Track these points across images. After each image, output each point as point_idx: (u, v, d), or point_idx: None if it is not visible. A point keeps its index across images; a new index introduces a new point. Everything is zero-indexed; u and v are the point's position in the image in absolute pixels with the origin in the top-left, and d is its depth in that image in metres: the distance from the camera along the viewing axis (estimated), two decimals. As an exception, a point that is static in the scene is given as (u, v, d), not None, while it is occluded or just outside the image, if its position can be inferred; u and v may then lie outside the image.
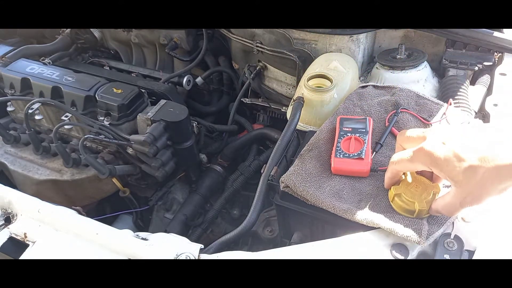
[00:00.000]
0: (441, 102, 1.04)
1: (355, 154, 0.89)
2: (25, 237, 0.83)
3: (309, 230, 0.96)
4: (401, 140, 0.76)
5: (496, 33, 1.22)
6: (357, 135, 0.92)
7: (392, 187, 0.82)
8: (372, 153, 0.94)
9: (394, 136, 0.98)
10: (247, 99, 1.59)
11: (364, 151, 0.89)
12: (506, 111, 1.03)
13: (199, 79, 1.62)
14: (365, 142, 0.91)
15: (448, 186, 0.80)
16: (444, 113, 1.00)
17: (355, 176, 0.90)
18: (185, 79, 1.55)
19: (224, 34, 1.55)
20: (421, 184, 0.79)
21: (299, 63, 1.33)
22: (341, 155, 0.89)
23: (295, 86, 1.44)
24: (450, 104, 1.03)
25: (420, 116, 1.01)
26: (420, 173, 0.78)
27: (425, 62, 1.23)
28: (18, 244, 0.83)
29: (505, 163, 0.56)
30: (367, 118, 0.97)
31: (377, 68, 1.26)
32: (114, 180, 1.27)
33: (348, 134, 0.93)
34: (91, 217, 0.87)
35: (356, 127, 0.94)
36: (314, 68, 1.24)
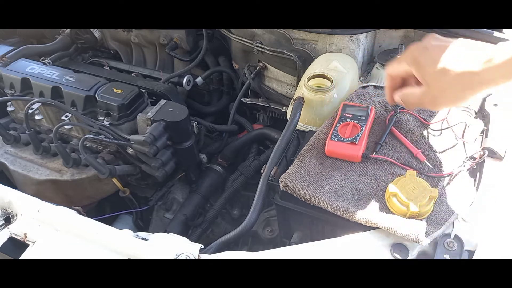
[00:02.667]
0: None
1: (349, 139, 0.91)
2: (25, 237, 0.83)
3: (309, 230, 0.96)
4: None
5: (496, 33, 1.22)
6: (356, 121, 0.95)
7: (389, 185, 0.82)
8: (373, 152, 0.94)
9: (394, 136, 0.98)
10: (247, 99, 1.59)
11: (359, 137, 0.91)
12: (506, 111, 1.03)
13: (199, 79, 1.62)
14: (361, 129, 0.93)
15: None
16: (446, 118, 1.00)
17: (355, 176, 0.90)
18: (185, 79, 1.55)
19: (224, 34, 1.55)
20: (419, 187, 0.80)
21: (299, 63, 1.33)
22: (336, 139, 0.93)
23: (295, 86, 1.44)
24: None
25: (420, 116, 1.01)
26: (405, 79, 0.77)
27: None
28: (18, 244, 0.83)
29: (467, 71, 0.63)
30: (370, 107, 0.99)
31: (377, 68, 1.26)
32: (114, 180, 1.27)
33: (347, 119, 0.96)
34: (91, 217, 0.87)
35: (357, 114, 0.97)
36: (314, 68, 1.24)
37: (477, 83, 0.64)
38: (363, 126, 0.93)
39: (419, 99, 0.71)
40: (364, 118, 0.96)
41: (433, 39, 0.72)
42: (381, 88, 1.11)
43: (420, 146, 0.95)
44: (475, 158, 0.90)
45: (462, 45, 0.69)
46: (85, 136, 1.14)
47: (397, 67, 0.74)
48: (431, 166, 0.89)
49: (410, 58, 0.71)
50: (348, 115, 0.97)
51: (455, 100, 0.68)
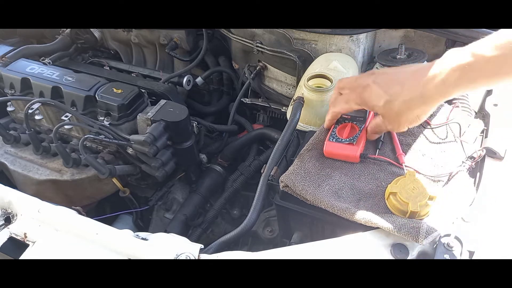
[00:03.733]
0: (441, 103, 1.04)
1: (347, 140, 0.92)
2: (25, 237, 0.83)
3: (309, 230, 0.96)
4: (338, 88, 0.92)
5: (496, 33, 1.22)
6: (354, 122, 0.95)
7: (389, 185, 0.82)
8: (376, 150, 0.94)
9: (391, 136, 0.98)
10: (247, 99, 1.59)
11: (357, 138, 0.92)
12: (506, 111, 1.03)
13: (199, 79, 1.62)
14: (359, 130, 0.93)
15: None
16: (447, 118, 1.00)
17: (355, 176, 0.90)
18: (185, 79, 1.55)
19: (224, 34, 1.55)
20: (419, 187, 0.80)
21: (299, 63, 1.33)
22: (334, 139, 0.93)
23: (295, 86, 1.44)
24: (457, 106, 1.04)
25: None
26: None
27: (425, 62, 1.22)
28: (18, 244, 0.83)
29: (410, 97, 0.75)
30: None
31: (377, 68, 1.26)
32: (114, 180, 1.27)
33: (346, 121, 0.96)
34: (91, 217, 0.87)
35: (355, 115, 0.96)
36: (314, 68, 1.24)
37: (421, 104, 0.75)
38: (361, 127, 0.94)
39: (383, 126, 0.88)
40: (362, 119, 0.95)
41: (370, 75, 0.84)
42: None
43: (420, 147, 0.95)
44: (474, 158, 0.90)
45: (401, 71, 0.80)
46: (85, 136, 1.14)
47: (347, 107, 0.89)
48: (411, 169, 0.89)
49: (358, 99, 0.85)
50: (346, 116, 0.96)
51: (411, 121, 0.80)
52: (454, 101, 1.07)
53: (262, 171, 1.00)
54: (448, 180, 0.87)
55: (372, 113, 1.00)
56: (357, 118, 0.96)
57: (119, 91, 1.25)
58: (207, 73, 1.64)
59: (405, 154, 0.93)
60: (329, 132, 0.95)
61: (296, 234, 0.98)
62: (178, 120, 1.21)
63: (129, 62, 1.77)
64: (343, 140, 0.92)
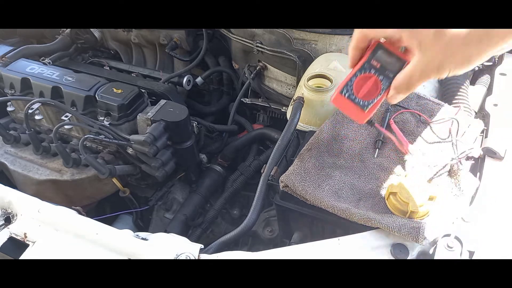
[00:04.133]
0: (442, 103, 1.04)
1: (360, 102, 0.72)
2: (25, 237, 0.83)
3: (309, 230, 0.96)
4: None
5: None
6: (380, 77, 0.71)
7: (389, 185, 0.82)
8: (375, 150, 0.94)
9: (393, 134, 0.98)
10: (247, 99, 1.59)
11: (372, 104, 0.72)
12: (506, 111, 1.03)
13: (199, 79, 1.62)
14: (381, 91, 0.71)
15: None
16: (445, 118, 1.00)
17: (355, 176, 0.90)
18: (185, 79, 1.55)
19: (224, 34, 1.55)
20: (419, 187, 0.80)
21: (299, 63, 1.33)
22: (346, 93, 0.72)
23: (295, 86, 1.44)
24: (458, 106, 1.04)
25: (420, 116, 1.01)
26: (391, 44, 0.69)
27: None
28: (18, 244, 0.83)
29: (470, 30, 0.58)
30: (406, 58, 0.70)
31: (377, 68, 1.26)
32: (114, 180, 1.27)
33: (371, 70, 0.71)
34: (91, 217, 0.87)
35: (388, 66, 0.71)
36: (314, 68, 1.24)
37: (481, 40, 0.57)
38: (384, 88, 0.71)
39: (418, 74, 0.63)
40: (392, 74, 0.70)
41: None
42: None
43: (420, 146, 0.95)
44: (474, 158, 0.90)
45: None
46: (85, 136, 1.14)
47: (379, 30, 0.64)
48: (415, 171, 0.88)
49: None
50: (375, 63, 0.71)
51: (461, 63, 0.59)
52: (454, 101, 1.07)
53: (262, 171, 1.00)
54: (449, 180, 0.87)
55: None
56: (388, 70, 0.71)
57: (119, 91, 1.25)
58: (207, 73, 1.64)
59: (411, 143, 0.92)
60: (347, 78, 0.72)
61: (296, 234, 0.98)
62: (178, 120, 1.22)
63: (129, 62, 1.77)
64: (356, 100, 0.73)
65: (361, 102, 0.72)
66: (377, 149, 0.95)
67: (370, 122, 0.83)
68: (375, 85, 0.72)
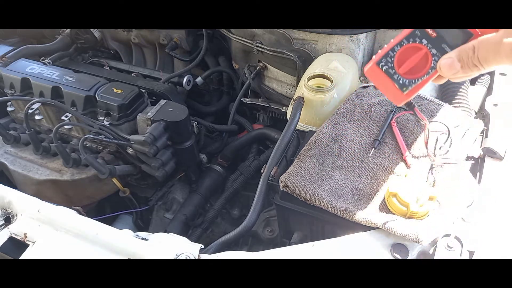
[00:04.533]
0: (442, 103, 1.04)
1: (401, 80, 0.57)
2: (25, 237, 0.83)
3: (309, 230, 0.96)
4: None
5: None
6: (434, 51, 0.55)
7: (389, 185, 0.82)
8: (371, 149, 0.93)
9: (394, 136, 0.98)
10: (247, 99, 1.59)
11: (413, 85, 0.57)
12: (506, 111, 1.03)
13: (199, 79, 1.62)
14: (429, 71, 0.56)
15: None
16: (445, 118, 1.00)
17: (355, 176, 0.90)
18: (185, 79, 1.55)
19: (224, 34, 1.55)
20: (419, 187, 0.80)
21: (299, 63, 1.33)
22: (384, 66, 0.57)
23: (295, 86, 1.44)
24: (458, 106, 1.04)
25: (421, 116, 1.01)
26: None
27: None
28: (18, 244, 0.83)
29: None
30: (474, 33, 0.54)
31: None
32: (114, 180, 1.27)
33: (423, 41, 0.56)
34: (91, 217, 0.87)
35: (448, 37, 0.55)
36: (314, 68, 1.23)
37: None
38: (435, 67, 0.55)
39: (488, 53, 0.48)
40: (449, 48, 0.55)
41: None
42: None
43: (420, 146, 0.95)
44: (474, 158, 0.90)
45: None
46: (85, 136, 1.14)
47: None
48: (415, 171, 0.88)
49: None
50: (431, 32, 0.55)
51: None
52: (454, 101, 1.07)
53: (262, 171, 1.00)
54: (449, 180, 0.87)
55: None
56: (445, 43, 0.55)
57: (119, 91, 1.25)
58: (207, 73, 1.64)
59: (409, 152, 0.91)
60: (388, 48, 0.58)
61: (296, 234, 0.98)
62: (178, 120, 1.21)
63: (129, 62, 1.77)
64: (396, 76, 0.57)
65: (401, 80, 0.57)
66: (373, 149, 0.94)
67: (409, 105, 0.72)
68: (424, 60, 0.56)
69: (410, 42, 0.56)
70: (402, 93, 0.58)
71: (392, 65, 0.57)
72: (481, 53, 0.49)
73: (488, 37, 0.49)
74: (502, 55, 0.47)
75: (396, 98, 0.59)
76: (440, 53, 0.54)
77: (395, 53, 0.57)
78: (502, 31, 0.48)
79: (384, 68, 0.57)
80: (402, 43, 0.56)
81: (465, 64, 0.51)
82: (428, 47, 0.55)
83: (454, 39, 0.54)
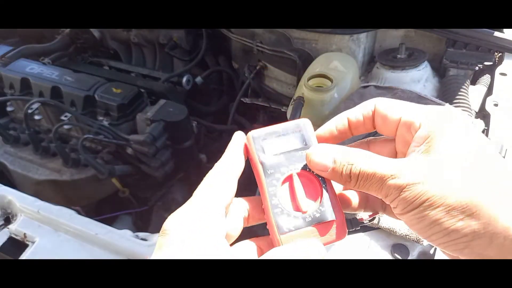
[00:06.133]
0: (443, 102, 1.04)
1: (314, 215, 0.40)
2: (25, 237, 0.83)
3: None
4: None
5: (497, 33, 1.22)
6: (299, 166, 0.40)
7: None
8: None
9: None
10: (247, 99, 1.59)
11: (328, 202, 0.40)
12: (506, 111, 1.03)
13: (198, 79, 1.62)
14: (323, 185, 0.40)
15: None
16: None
17: None
18: (184, 79, 1.55)
19: (224, 34, 1.55)
20: None
21: (299, 63, 1.33)
22: (287, 225, 0.39)
23: (295, 86, 1.44)
24: (458, 106, 1.03)
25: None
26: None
27: (426, 62, 1.22)
28: (17, 244, 0.82)
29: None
30: (301, 121, 0.42)
31: (377, 67, 1.26)
32: (114, 180, 1.27)
33: (282, 171, 0.40)
34: (91, 217, 0.87)
35: (290, 146, 0.41)
36: (315, 67, 1.23)
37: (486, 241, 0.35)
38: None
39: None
40: (303, 148, 0.40)
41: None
42: (382, 88, 1.11)
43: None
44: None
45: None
46: (85, 136, 1.14)
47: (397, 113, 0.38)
48: None
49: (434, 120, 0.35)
50: (275, 161, 0.40)
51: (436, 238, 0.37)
52: (455, 101, 1.07)
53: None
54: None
55: (308, 123, 0.43)
56: (295, 152, 0.41)
57: (119, 91, 1.25)
58: (206, 72, 1.64)
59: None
60: (266, 207, 0.40)
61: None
62: (177, 120, 1.21)
63: (128, 62, 1.77)
64: (307, 219, 0.39)
65: (315, 214, 0.40)
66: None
67: (354, 225, 0.47)
68: (310, 182, 0.40)
69: (276, 185, 0.40)
70: (330, 222, 0.41)
71: (291, 212, 0.40)
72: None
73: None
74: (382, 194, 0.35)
75: (338, 231, 0.42)
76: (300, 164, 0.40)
77: (275, 200, 0.40)
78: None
79: (288, 228, 0.40)
80: (269, 188, 0.40)
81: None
82: (293, 172, 0.40)
83: (293, 142, 0.41)
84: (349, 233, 0.44)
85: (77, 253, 0.80)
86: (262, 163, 0.40)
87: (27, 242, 0.82)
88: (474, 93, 1.13)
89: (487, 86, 1.16)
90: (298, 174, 0.40)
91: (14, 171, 1.28)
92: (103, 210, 1.44)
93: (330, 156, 0.37)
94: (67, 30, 1.69)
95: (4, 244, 0.82)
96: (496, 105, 1.05)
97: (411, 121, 0.37)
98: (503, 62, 1.19)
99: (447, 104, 0.98)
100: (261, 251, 0.42)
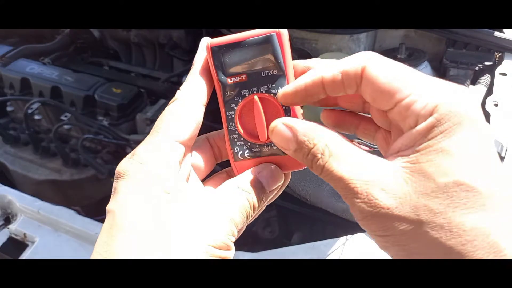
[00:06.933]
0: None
1: (272, 145, 0.37)
2: (25, 237, 0.83)
3: (310, 230, 0.96)
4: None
5: (497, 33, 1.22)
6: (263, 89, 0.37)
7: None
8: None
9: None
10: (247, 99, 1.59)
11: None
12: (507, 111, 1.03)
13: (198, 79, 1.62)
14: (284, 108, 0.38)
15: None
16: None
17: None
18: (184, 79, 1.55)
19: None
20: None
21: (299, 63, 1.33)
22: (243, 153, 0.38)
23: (295, 86, 1.44)
24: None
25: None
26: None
27: (426, 62, 1.22)
28: (18, 244, 0.82)
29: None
30: (274, 34, 0.36)
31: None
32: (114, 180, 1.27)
33: (242, 93, 0.38)
34: (91, 217, 0.87)
35: (255, 65, 0.37)
36: (314, 67, 1.23)
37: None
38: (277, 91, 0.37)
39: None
40: (274, 72, 0.37)
41: None
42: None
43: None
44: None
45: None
46: (84, 136, 1.14)
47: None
48: None
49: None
50: (237, 79, 0.37)
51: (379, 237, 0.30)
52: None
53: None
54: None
55: (283, 38, 0.38)
56: (264, 73, 0.37)
57: (118, 91, 1.25)
58: (206, 72, 1.64)
59: None
60: (225, 131, 0.40)
61: (296, 234, 0.98)
62: (177, 120, 1.22)
63: (128, 61, 1.76)
64: (264, 148, 0.37)
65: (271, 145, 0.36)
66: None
67: None
68: (270, 104, 0.38)
69: (236, 107, 0.39)
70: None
71: (245, 142, 0.38)
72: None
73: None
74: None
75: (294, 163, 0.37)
76: (266, 87, 0.37)
77: (232, 126, 0.39)
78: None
79: (244, 153, 0.38)
80: (229, 114, 0.39)
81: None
82: (256, 93, 0.37)
83: (260, 60, 0.37)
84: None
85: (77, 253, 0.80)
86: (220, 83, 0.37)
87: (27, 242, 0.82)
88: (474, 93, 1.13)
89: (487, 86, 1.16)
90: (260, 98, 0.36)
91: (14, 171, 1.28)
92: (103, 210, 1.44)
93: (295, 136, 0.31)
94: (67, 30, 1.69)
95: (4, 244, 0.82)
96: (496, 105, 1.05)
97: (423, 110, 0.27)
98: (503, 62, 1.19)
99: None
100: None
